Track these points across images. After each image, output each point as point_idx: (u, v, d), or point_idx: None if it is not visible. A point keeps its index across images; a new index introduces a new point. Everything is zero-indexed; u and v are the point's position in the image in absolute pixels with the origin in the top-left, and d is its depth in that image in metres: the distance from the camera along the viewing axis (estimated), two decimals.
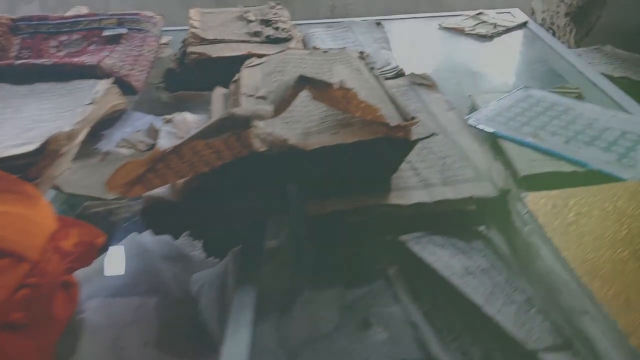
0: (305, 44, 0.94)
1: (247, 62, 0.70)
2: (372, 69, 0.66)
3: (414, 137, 0.53)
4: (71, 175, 0.62)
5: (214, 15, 0.95)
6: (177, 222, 0.52)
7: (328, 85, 0.50)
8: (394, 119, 0.53)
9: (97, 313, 0.54)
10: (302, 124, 0.55)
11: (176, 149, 0.45)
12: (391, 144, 0.51)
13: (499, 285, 0.42)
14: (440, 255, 0.44)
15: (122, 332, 0.52)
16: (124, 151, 0.66)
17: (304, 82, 0.51)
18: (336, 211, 0.49)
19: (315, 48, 0.73)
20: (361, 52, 0.70)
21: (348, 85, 0.56)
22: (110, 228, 0.63)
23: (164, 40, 0.98)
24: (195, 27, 0.87)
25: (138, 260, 0.62)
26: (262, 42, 0.84)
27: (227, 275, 0.54)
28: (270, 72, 0.66)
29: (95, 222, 0.60)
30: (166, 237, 0.54)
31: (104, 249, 0.56)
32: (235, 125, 0.46)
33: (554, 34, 1.25)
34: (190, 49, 0.81)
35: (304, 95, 0.53)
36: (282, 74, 0.65)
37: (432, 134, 0.58)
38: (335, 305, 0.50)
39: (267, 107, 0.47)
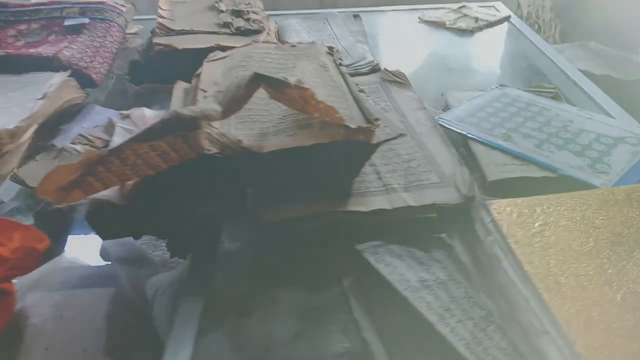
0: (279, 35, 0.90)
1: (210, 55, 0.66)
2: (340, 65, 0.63)
3: (376, 139, 0.51)
4: (35, 169, 0.59)
5: (185, 5, 0.91)
6: (125, 225, 0.49)
7: (284, 84, 0.47)
8: (355, 121, 0.51)
9: (40, 317, 0.52)
10: (260, 124, 0.52)
11: (115, 152, 0.42)
12: (351, 147, 0.49)
13: (457, 300, 0.40)
14: (397, 267, 0.42)
15: (65, 339, 0.49)
16: (79, 148, 0.63)
17: (258, 80, 0.48)
18: (292, 218, 0.46)
19: (282, 42, 0.70)
20: (330, 47, 0.67)
21: (307, 84, 0.53)
22: (71, 226, 0.60)
23: (134, 29, 0.95)
24: (163, 17, 0.84)
25: (94, 261, 0.59)
26: (231, 34, 0.81)
27: (182, 281, 0.52)
28: (232, 67, 0.63)
29: (57, 220, 0.57)
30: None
31: (48, 254, 0.53)
32: (181, 127, 0.43)
33: (539, 29, 1.22)
34: (156, 40, 0.77)
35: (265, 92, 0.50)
36: (245, 70, 0.62)
37: (397, 136, 0.56)
38: (295, 313, 0.48)
39: (215, 107, 0.44)
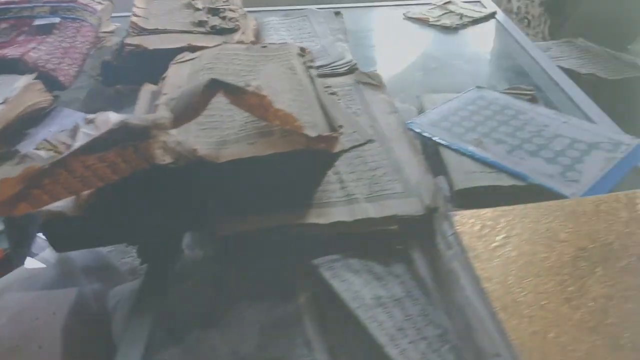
0: (258, 34, 0.89)
1: (178, 57, 0.65)
2: (309, 67, 0.61)
3: (338, 148, 0.49)
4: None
5: (161, 3, 0.89)
6: (81, 237, 0.48)
7: (242, 90, 0.46)
8: (319, 128, 0.49)
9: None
10: (221, 131, 0.51)
11: (60, 163, 0.40)
12: (312, 156, 0.47)
13: (412, 318, 0.38)
14: (352, 283, 0.40)
15: (17, 355, 0.48)
16: (43, 153, 0.62)
17: (215, 86, 0.46)
18: (248, 231, 0.45)
19: (254, 43, 0.68)
20: (302, 49, 0.65)
21: (272, 88, 0.52)
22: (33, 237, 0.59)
23: (111, 27, 0.93)
24: (137, 16, 0.82)
25: (56, 271, 0.58)
26: (206, 33, 0.79)
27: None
28: (199, 69, 0.61)
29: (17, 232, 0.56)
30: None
31: (7, 264, 0.52)
32: (130, 137, 0.42)
33: (528, 24, 1.20)
34: (127, 40, 0.75)
35: None
36: (211, 72, 0.60)
37: (364, 143, 0.54)
38: (257, 326, 0.47)
39: (166, 116, 0.42)
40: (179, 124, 0.44)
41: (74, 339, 0.49)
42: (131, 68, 0.76)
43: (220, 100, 0.50)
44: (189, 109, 0.45)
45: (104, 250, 0.61)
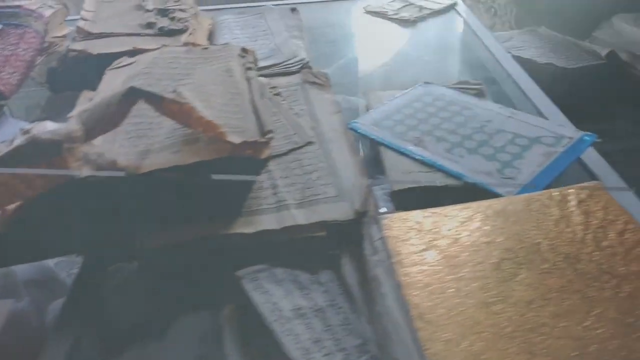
0: (211, 34, 0.87)
1: (115, 62, 0.63)
2: (249, 69, 0.60)
3: (266, 154, 0.48)
4: None
5: (111, 5, 0.87)
6: (7, 253, 0.47)
7: (161, 99, 0.45)
8: (247, 133, 0.48)
9: None
10: (147, 139, 0.49)
11: None
12: (238, 163, 0.46)
13: (332, 328, 0.38)
14: (273, 294, 0.39)
15: None
16: None
17: (134, 95, 0.45)
18: (173, 244, 0.44)
19: (194, 44, 0.66)
20: (244, 49, 0.64)
21: (203, 92, 0.50)
22: None
23: (65, 31, 0.91)
24: (84, 20, 0.80)
25: None
26: (154, 35, 0.77)
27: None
28: (135, 74, 0.59)
29: None
30: None
31: None
32: (41, 153, 0.40)
33: (495, 13, 1.18)
34: (71, 45, 0.74)
35: None
36: (148, 77, 0.59)
37: (302, 146, 0.53)
38: (196, 337, 0.46)
39: (76, 128, 0.41)
40: (94, 135, 0.43)
41: (6, 355, 0.48)
42: (77, 74, 0.74)
43: (150, 107, 0.48)
44: (105, 119, 0.43)
45: (50, 262, 0.60)
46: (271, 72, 0.72)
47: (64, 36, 0.90)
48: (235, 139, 0.44)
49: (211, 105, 0.50)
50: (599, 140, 0.53)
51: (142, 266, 0.47)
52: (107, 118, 0.43)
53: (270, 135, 0.48)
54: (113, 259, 0.49)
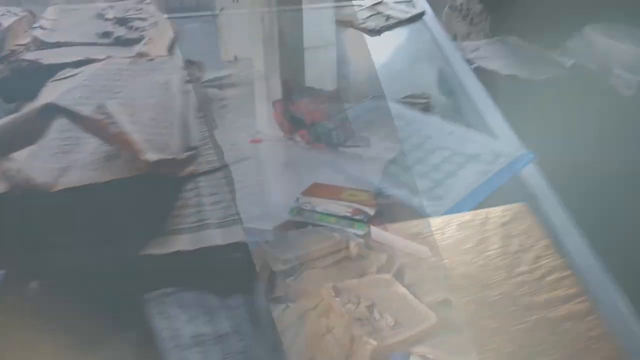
0: (172, 43, 0.86)
1: (59, 73, 0.63)
2: (189, 82, 0.59)
3: (187, 171, 0.47)
4: None
5: (72, 13, 0.87)
6: None
7: (78, 116, 0.44)
8: (169, 150, 0.47)
9: None
10: (72, 155, 0.48)
11: None
12: (157, 181, 0.45)
13: (231, 355, 0.37)
14: (176, 320, 0.39)
15: None
16: None
17: (51, 110, 0.44)
18: (81, 265, 0.43)
19: (140, 56, 0.66)
20: (189, 61, 0.63)
21: (124, 108, 0.50)
22: None
23: (27, 40, 0.90)
24: (43, 28, 0.80)
25: None
26: (109, 45, 0.77)
27: None
28: (75, 87, 0.59)
29: None
30: None
31: None
32: None
33: (471, 21, 1.17)
34: (25, 55, 0.73)
35: None
36: (87, 89, 0.58)
37: (217, 168, 0.52)
38: None
39: None
40: (5, 153, 0.42)
41: None
42: (29, 84, 0.74)
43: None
44: (19, 135, 0.43)
45: None
46: (225, 82, 0.71)
47: (26, 44, 0.89)
48: (152, 156, 0.44)
49: (138, 120, 0.49)
50: (535, 159, 0.52)
51: (44, 287, 0.45)
52: (23, 134, 0.43)
53: (192, 153, 0.47)
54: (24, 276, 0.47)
